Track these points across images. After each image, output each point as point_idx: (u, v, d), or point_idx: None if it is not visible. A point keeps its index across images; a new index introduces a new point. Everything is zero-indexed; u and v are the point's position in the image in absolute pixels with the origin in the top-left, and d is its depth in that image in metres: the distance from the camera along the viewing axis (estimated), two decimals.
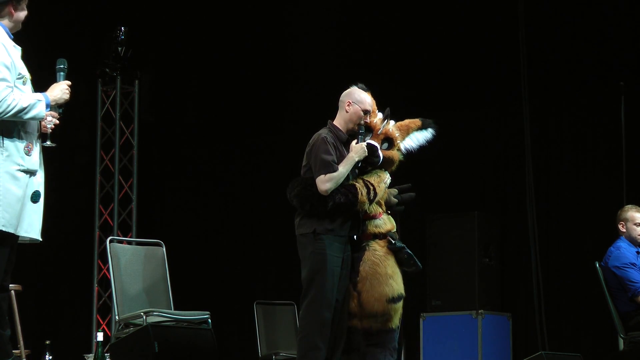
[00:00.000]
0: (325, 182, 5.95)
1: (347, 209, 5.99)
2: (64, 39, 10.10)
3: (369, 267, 6.09)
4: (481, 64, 9.63)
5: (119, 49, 10.11)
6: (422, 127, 6.33)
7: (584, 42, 9.28)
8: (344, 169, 6.00)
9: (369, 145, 6.11)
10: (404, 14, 9.89)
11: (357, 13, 10.07)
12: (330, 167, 5.97)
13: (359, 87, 6.27)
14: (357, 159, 6.04)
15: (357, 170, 6.13)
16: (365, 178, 6.09)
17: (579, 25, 9.29)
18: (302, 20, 10.22)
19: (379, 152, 6.12)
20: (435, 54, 9.78)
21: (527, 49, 8.46)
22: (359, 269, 6.09)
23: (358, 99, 6.17)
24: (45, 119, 5.15)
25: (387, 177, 6.20)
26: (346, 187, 6.00)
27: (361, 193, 6.01)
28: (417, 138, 6.33)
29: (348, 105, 6.16)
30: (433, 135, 6.34)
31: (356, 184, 6.04)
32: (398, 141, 6.24)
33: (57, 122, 5.22)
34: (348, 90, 6.25)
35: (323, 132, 6.14)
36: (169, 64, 10.58)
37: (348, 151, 6.12)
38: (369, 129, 6.18)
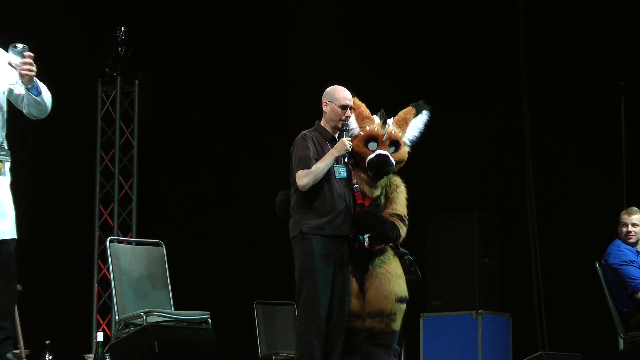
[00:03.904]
0: (302, 177, 6.00)
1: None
2: (64, 39, 10.11)
3: (378, 265, 6.13)
4: (481, 63, 9.63)
5: (119, 49, 10.11)
6: (417, 113, 6.34)
7: (584, 42, 9.27)
8: (322, 164, 6.02)
9: (382, 156, 6.08)
10: (403, 14, 9.88)
11: (357, 13, 10.07)
12: (307, 162, 6.00)
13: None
14: (337, 155, 6.06)
15: (350, 166, 6.15)
16: (399, 209, 6.13)
17: (579, 25, 9.28)
18: (303, 19, 10.22)
19: (391, 159, 6.12)
20: (435, 54, 9.77)
21: (527, 49, 8.46)
22: (368, 267, 6.11)
23: (334, 96, 6.17)
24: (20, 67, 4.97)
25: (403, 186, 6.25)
26: (389, 224, 6.06)
27: (402, 230, 6.13)
28: (416, 125, 6.33)
29: (325, 105, 6.18)
30: (429, 116, 6.35)
31: (396, 222, 6.10)
32: (403, 139, 6.24)
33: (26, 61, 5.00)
34: (326, 90, 6.25)
35: (305, 131, 6.18)
36: (169, 64, 10.58)
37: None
38: (345, 127, 6.13)
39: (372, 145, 6.15)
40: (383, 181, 6.21)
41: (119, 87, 10.25)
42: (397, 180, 6.29)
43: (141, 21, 10.30)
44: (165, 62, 10.59)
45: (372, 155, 6.12)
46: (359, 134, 6.19)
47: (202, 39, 10.52)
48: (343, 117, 6.13)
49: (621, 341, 7.64)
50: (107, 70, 10.19)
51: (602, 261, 7.73)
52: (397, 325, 6.15)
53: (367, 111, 6.25)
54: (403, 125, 6.27)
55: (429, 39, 9.78)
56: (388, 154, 6.13)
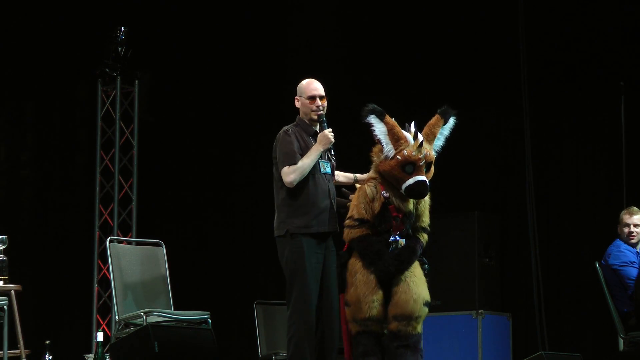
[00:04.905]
0: (289, 174, 5.99)
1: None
2: (64, 39, 10.11)
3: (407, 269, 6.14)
4: (481, 63, 9.63)
5: (119, 49, 10.11)
6: (445, 121, 6.28)
7: (583, 42, 9.28)
8: (309, 159, 6.00)
9: (422, 184, 6.04)
10: (403, 15, 9.89)
11: (357, 14, 10.07)
12: (293, 158, 5.99)
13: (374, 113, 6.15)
14: (322, 149, 6.04)
15: (333, 161, 6.16)
16: (424, 221, 6.29)
17: (578, 25, 9.29)
18: (303, 19, 10.22)
19: (427, 183, 6.10)
20: (435, 54, 9.77)
21: (527, 49, 8.46)
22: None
23: (301, 90, 6.16)
24: None
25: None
26: (419, 245, 6.26)
27: (424, 240, 6.34)
28: (443, 135, 6.28)
29: (297, 101, 6.18)
30: (455, 121, 6.31)
31: (421, 237, 6.30)
32: (433, 154, 6.20)
33: None
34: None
35: (287, 126, 6.15)
36: (169, 63, 10.58)
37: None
38: (321, 118, 6.11)
39: (409, 168, 6.05)
40: None
41: (119, 87, 10.24)
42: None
43: (141, 21, 10.30)
44: (165, 62, 10.59)
45: (411, 182, 6.03)
46: (394, 157, 6.07)
47: (202, 39, 10.51)
48: (314, 108, 6.11)
49: (621, 341, 7.64)
50: (107, 70, 10.18)
51: (602, 261, 7.73)
52: (420, 327, 6.18)
53: (400, 131, 6.09)
54: (432, 140, 6.20)
55: (429, 38, 9.78)
56: (426, 180, 6.08)
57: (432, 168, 6.19)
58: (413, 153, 6.06)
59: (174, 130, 10.70)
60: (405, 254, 6.14)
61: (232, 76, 10.49)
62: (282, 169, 6.01)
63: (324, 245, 6.07)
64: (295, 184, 5.98)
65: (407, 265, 6.15)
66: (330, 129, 6.07)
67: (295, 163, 5.98)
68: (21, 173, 10.23)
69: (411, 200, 6.15)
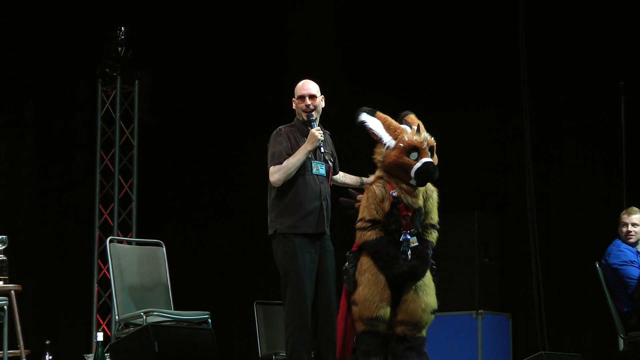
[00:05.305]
0: (274, 173, 6.00)
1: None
2: (64, 39, 10.11)
3: None
4: (481, 63, 9.63)
5: (119, 49, 10.11)
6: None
7: (583, 42, 9.28)
8: (294, 159, 5.99)
9: (430, 164, 6.03)
10: (403, 15, 9.89)
11: (356, 13, 10.07)
12: (279, 158, 5.99)
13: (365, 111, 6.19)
14: (310, 148, 6.03)
15: (330, 162, 6.14)
16: (433, 218, 6.19)
17: (578, 25, 9.29)
18: (302, 18, 10.23)
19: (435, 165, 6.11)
20: (435, 53, 9.77)
21: (527, 49, 8.46)
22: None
23: (295, 90, 6.18)
24: None
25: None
26: (430, 248, 6.17)
27: (433, 237, 6.26)
28: None
29: (293, 102, 6.19)
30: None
31: (429, 236, 6.21)
32: (432, 139, 6.22)
33: None
34: None
35: (281, 126, 6.17)
36: (169, 63, 10.58)
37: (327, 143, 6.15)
38: (310, 117, 6.11)
39: (414, 155, 6.06)
40: (422, 189, 6.18)
41: (119, 87, 10.24)
42: (430, 186, 6.28)
43: (141, 21, 10.30)
44: (165, 62, 10.59)
45: (419, 165, 6.03)
46: (397, 145, 6.09)
47: (202, 39, 10.52)
48: (304, 108, 6.10)
49: (621, 341, 7.65)
50: (107, 70, 10.18)
51: (602, 261, 7.74)
52: (425, 332, 6.23)
53: (394, 122, 6.16)
54: (424, 130, 6.25)
55: (430, 39, 9.78)
56: (433, 161, 6.09)
57: (435, 156, 6.18)
58: (414, 138, 6.09)
59: (174, 130, 10.70)
60: (420, 268, 6.13)
61: (232, 76, 10.49)
62: (269, 168, 6.00)
63: (318, 244, 6.07)
64: (280, 183, 5.98)
65: (421, 277, 6.15)
66: (318, 128, 6.07)
67: (281, 163, 5.97)
68: (21, 173, 10.24)
69: (420, 195, 6.14)
